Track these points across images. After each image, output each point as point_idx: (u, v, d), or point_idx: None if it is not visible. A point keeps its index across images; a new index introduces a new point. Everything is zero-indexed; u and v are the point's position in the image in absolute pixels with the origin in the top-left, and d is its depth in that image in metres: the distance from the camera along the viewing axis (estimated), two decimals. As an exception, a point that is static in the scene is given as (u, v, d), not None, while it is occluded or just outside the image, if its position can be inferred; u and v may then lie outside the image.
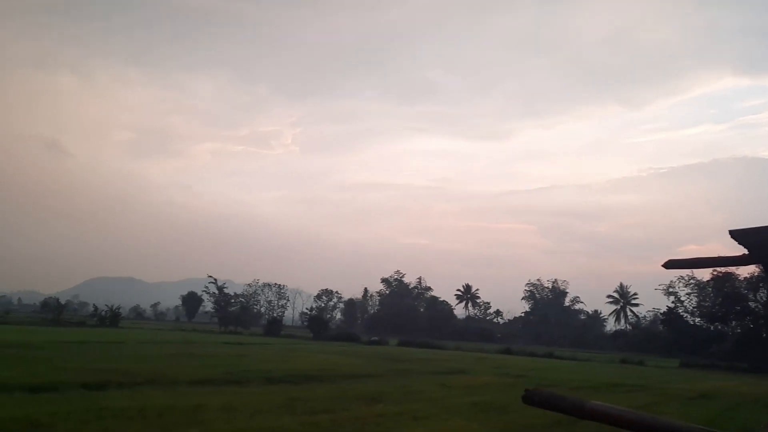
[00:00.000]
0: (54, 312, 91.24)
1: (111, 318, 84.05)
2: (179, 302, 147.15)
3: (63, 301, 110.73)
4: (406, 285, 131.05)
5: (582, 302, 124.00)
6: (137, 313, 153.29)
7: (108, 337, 46.11)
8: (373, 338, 74.97)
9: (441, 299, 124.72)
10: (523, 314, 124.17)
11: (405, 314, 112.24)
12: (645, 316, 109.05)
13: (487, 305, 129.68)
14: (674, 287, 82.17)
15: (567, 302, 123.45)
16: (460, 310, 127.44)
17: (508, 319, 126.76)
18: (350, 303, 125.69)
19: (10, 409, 11.39)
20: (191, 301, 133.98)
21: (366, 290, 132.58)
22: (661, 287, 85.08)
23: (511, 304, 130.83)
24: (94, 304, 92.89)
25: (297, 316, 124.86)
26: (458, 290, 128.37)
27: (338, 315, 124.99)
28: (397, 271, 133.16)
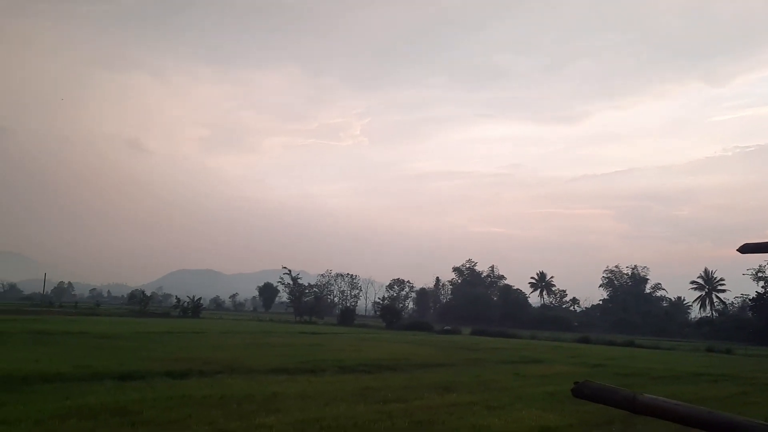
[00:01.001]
0: (140, 303, 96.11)
1: (193, 309, 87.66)
2: (256, 293, 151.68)
3: (148, 293, 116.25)
4: (479, 273, 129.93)
5: (664, 289, 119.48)
6: (217, 303, 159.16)
7: (190, 327, 48.01)
8: (445, 327, 74.71)
9: (515, 287, 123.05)
10: (600, 302, 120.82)
11: (478, 303, 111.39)
12: (732, 303, 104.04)
13: (563, 293, 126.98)
14: (764, 272, 77.93)
15: (648, 289, 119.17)
16: (534, 299, 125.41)
17: (585, 307, 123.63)
18: (422, 292, 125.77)
19: (100, 396, 12.05)
20: (267, 291, 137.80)
21: (438, 279, 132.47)
22: (749, 272, 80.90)
23: (589, 292, 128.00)
24: (176, 296, 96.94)
25: (369, 305, 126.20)
26: (532, 278, 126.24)
27: (410, 304, 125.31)
28: (469, 259, 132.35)
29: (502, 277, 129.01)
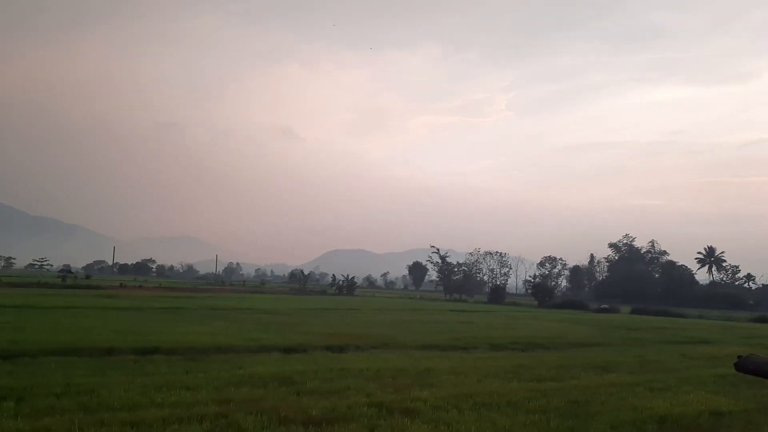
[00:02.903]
0: (300, 282, 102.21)
1: (348, 287, 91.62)
2: (406, 272, 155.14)
3: (306, 272, 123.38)
4: (637, 249, 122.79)
5: None
6: (369, 282, 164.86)
7: (346, 304, 50.29)
8: (602, 306, 71.86)
9: (679, 263, 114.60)
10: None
11: (637, 280, 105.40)
12: None
13: (736, 269, 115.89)
14: None
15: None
16: (702, 275, 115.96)
17: (763, 284, 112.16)
18: (576, 270, 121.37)
19: (268, 366, 13.05)
20: (417, 270, 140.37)
21: (592, 256, 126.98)
22: None
23: (767, 267, 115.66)
24: (333, 275, 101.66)
25: (520, 283, 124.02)
26: (699, 253, 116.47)
27: (563, 282, 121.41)
28: (626, 234, 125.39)
29: (663, 253, 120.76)
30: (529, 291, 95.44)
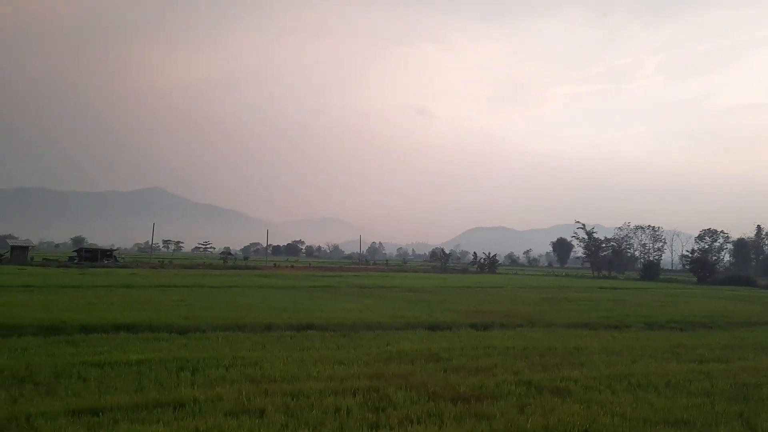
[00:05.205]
0: (441, 260, 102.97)
1: (490, 264, 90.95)
2: (549, 248, 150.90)
3: (447, 251, 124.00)
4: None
5: None
6: (511, 259, 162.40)
7: (488, 282, 49.97)
8: (773, 282, 65.47)
9: None
10: None
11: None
12: None
13: None
14: None
15: None
16: None
17: None
18: (741, 243, 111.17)
19: (414, 343, 13.36)
20: (561, 246, 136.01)
21: (759, 228, 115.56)
22: None
23: None
24: (474, 252, 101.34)
25: (676, 259, 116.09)
26: None
27: (726, 257, 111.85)
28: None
29: None
30: (686, 267, 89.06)
